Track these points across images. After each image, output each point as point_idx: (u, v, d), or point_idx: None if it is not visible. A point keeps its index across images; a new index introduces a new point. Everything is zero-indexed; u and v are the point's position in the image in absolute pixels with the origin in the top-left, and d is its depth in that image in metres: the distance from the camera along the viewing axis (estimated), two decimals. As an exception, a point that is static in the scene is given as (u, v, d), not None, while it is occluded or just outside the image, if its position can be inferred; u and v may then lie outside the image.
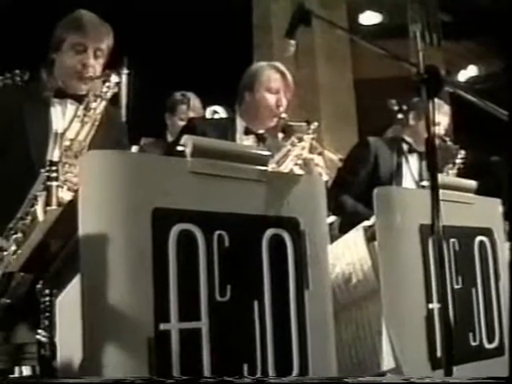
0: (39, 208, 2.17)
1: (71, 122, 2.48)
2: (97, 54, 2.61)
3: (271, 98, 3.23)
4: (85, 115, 2.46)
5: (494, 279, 2.77)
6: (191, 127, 3.23)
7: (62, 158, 2.30)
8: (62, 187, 2.17)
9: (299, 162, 3.09)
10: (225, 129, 3.24)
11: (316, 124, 3.21)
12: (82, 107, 2.51)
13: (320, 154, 3.22)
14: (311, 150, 3.17)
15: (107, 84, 2.47)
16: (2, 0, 5.98)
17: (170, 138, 4.57)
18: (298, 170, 3.08)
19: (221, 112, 4.66)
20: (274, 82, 3.25)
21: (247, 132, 3.27)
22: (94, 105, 2.46)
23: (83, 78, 2.57)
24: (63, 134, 2.40)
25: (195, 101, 4.56)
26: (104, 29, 2.65)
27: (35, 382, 1.88)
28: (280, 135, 3.31)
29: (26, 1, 6.46)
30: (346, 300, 2.58)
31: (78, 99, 2.58)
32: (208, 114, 4.69)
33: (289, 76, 3.29)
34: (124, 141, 2.82)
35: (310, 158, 3.08)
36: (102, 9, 2.67)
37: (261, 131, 3.29)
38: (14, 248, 2.20)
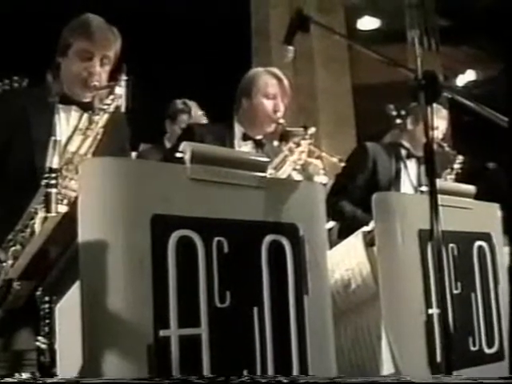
0: (38, 222, 2.17)
1: (73, 134, 2.47)
2: (103, 62, 2.55)
3: (268, 104, 3.24)
4: (87, 128, 2.43)
5: (493, 284, 2.78)
6: (189, 133, 3.23)
7: (63, 171, 2.29)
8: (61, 201, 2.16)
9: (298, 167, 3.10)
10: (223, 135, 3.24)
11: (313, 129, 3.21)
12: (84, 120, 2.49)
13: (318, 157, 3.23)
14: (309, 154, 3.17)
15: (111, 96, 2.43)
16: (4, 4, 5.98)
17: (168, 145, 4.57)
18: (296, 175, 3.08)
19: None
20: (270, 87, 3.25)
21: (245, 138, 3.28)
22: (96, 118, 2.43)
23: (88, 85, 2.51)
24: (66, 144, 2.39)
25: (197, 110, 4.55)
26: (112, 35, 2.58)
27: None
28: (276, 142, 3.30)
29: (30, 3, 6.47)
30: (345, 305, 2.58)
31: (83, 106, 2.56)
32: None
33: (285, 81, 3.29)
34: (127, 146, 2.81)
35: (308, 163, 3.08)
36: (101, 14, 2.65)
37: (259, 137, 3.30)
38: (11, 261, 2.20)
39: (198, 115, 4.54)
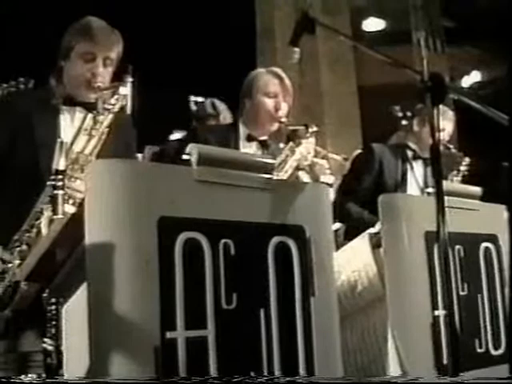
0: (44, 222, 2.18)
1: (78, 134, 2.48)
2: (106, 63, 2.56)
3: (270, 103, 3.24)
4: (92, 128, 2.44)
5: (500, 285, 2.77)
6: (194, 136, 3.24)
7: (68, 171, 2.29)
8: (67, 201, 2.17)
9: (302, 166, 3.09)
10: (228, 136, 3.25)
11: (315, 128, 3.20)
12: (89, 120, 2.50)
13: (324, 157, 3.23)
14: (315, 154, 3.17)
15: (116, 96, 2.43)
16: (6, 6, 5.99)
17: None
18: (303, 175, 3.08)
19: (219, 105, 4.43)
20: (271, 86, 3.26)
21: (250, 139, 3.28)
22: (101, 118, 2.44)
23: (92, 87, 2.52)
24: (71, 144, 2.40)
25: (227, 114, 4.36)
26: (113, 37, 2.60)
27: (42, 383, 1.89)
28: (282, 144, 3.29)
29: (33, 6, 6.48)
30: (351, 307, 2.58)
31: (87, 107, 2.56)
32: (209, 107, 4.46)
33: (287, 80, 3.30)
34: (133, 147, 2.81)
35: (314, 163, 3.08)
36: (104, 15, 2.66)
37: (263, 137, 3.30)
38: (18, 261, 2.20)
39: (228, 120, 4.23)
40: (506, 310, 2.75)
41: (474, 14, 8.24)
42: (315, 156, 3.16)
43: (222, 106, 4.43)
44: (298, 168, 3.11)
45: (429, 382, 2.03)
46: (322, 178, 3.00)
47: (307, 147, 3.14)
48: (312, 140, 3.15)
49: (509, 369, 1.87)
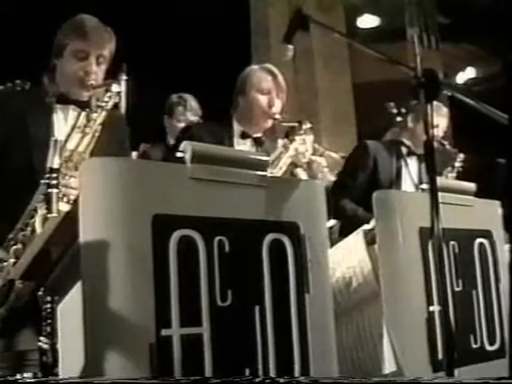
0: (38, 220, 2.18)
1: (71, 132, 2.48)
2: (99, 61, 2.56)
3: (263, 99, 3.25)
4: (85, 126, 2.44)
5: (494, 281, 2.78)
6: (188, 133, 3.24)
7: (62, 169, 2.29)
8: (61, 199, 2.17)
9: (302, 164, 3.10)
10: (222, 134, 3.25)
11: (309, 124, 3.20)
12: (82, 118, 2.50)
13: (321, 155, 3.23)
14: (313, 152, 3.17)
15: (108, 94, 2.44)
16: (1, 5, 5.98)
17: (171, 141, 4.56)
18: (301, 172, 3.08)
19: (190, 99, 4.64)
20: (264, 82, 3.26)
21: (244, 136, 3.28)
22: (94, 115, 2.44)
23: (85, 85, 2.53)
24: (65, 142, 2.39)
25: (192, 102, 4.56)
26: (106, 34, 2.60)
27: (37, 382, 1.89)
28: (280, 141, 3.29)
29: (27, 4, 6.46)
30: (346, 303, 2.58)
31: (80, 105, 2.56)
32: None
33: (280, 77, 3.30)
34: (126, 145, 2.81)
35: (313, 160, 3.08)
36: (99, 13, 2.65)
37: (258, 135, 3.30)
38: (13, 260, 2.20)
39: (194, 107, 4.55)
40: (501, 305, 2.76)
41: (469, 10, 8.25)
42: (313, 154, 3.17)
43: (187, 95, 4.60)
44: (295, 165, 3.12)
45: (428, 382, 2.03)
46: (320, 176, 3.01)
47: (305, 144, 3.14)
48: (310, 137, 3.16)
49: (508, 368, 1.88)
